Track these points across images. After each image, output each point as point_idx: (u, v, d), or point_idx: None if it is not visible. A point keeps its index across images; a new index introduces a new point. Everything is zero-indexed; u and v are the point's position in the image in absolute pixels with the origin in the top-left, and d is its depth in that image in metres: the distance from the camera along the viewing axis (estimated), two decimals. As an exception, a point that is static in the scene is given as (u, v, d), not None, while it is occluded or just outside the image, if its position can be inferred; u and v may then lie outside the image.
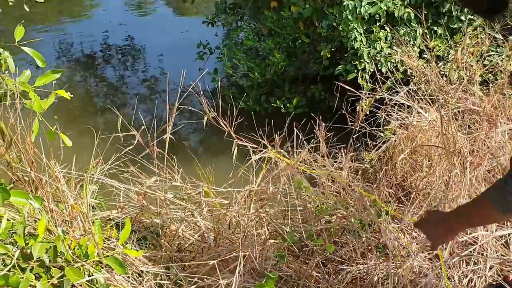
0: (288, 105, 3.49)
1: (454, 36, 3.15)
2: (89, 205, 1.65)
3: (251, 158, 1.88)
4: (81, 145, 2.45)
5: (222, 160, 2.51)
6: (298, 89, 3.78)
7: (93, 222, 1.48)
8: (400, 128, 2.52)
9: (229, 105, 2.14)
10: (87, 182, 1.64)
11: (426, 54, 3.04)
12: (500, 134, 2.30)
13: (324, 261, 1.79)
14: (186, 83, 1.99)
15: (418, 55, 3.12)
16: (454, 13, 3.20)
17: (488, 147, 2.18)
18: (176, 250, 1.74)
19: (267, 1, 3.77)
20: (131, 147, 1.89)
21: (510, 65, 2.86)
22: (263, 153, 1.79)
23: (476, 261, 1.83)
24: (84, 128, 3.38)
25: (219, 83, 2.84)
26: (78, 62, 5.24)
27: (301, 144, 2.03)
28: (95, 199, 1.82)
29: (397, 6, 3.01)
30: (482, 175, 2.10)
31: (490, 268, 1.79)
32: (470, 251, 1.83)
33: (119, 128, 1.88)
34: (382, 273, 1.77)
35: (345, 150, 2.20)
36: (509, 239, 1.89)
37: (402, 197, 2.15)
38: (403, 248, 1.83)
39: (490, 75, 2.99)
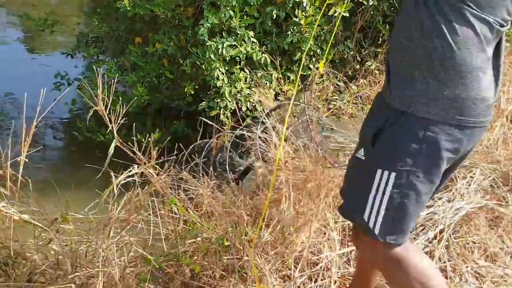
0: (149, 139, 3.48)
1: (304, 82, 3.53)
2: None
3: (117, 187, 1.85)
4: None
5: (84, 189, 2.42)
6: (161, 124, 3.81)
7: None
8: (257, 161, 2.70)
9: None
10: None
11: (281, 97, 3.35)
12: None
13: (185, 283, 1.81)
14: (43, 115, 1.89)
15: (274, 97, 3.40)
16: (304, 62, 3.58)
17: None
18: (26, 280, 1.61)
19: (131, 36, 3.81)
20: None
21: (351, 108, 3.29)
22: (127, 172, 1.77)
23: (322, 277, 2.02)
24: None
25: (77, 115, 2.76)
26: None
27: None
28: None
29: (255, 51, 3.27)
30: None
31: (335, 282, 1.99)
32: (317, 269, 2.02)
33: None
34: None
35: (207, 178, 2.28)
36: (350, 256, 2.13)
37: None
38: (259, 270, 1.93)
39: (334, 116, 3.39)
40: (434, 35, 1.20)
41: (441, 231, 2.28)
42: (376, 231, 1.29)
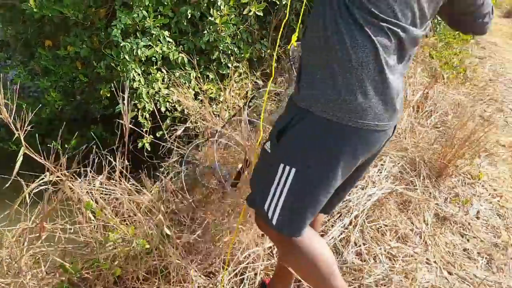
0: (66, 145, 3.36)
1: (223, 81, 3.56)
2: None
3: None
4: None
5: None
6: (77, 129, 3.67)
7: None
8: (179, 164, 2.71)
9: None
10: None
11: (200, 96, 3.35)
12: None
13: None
14: None
15: (193, 96, 3.40)
16: (222, 61, 3.61)
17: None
18: None
19: (40, 39, 3.63)
20: None
21: (269, 105, 3.38)
22: (39, 181, 1.71)
23: (248, 271, 2.07)
24: None
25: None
26: None
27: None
28: None
29: (171, 51, 3.25)
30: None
31: (260, 274, 2.05)
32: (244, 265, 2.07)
33: None
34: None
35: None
36: (274, 249, 2.20)
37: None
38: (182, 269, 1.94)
39: (254, 114, 3.45)
40: (335, 38, 1.25)
41: (356, 217, 2.42)
42: (274, 222, 1.36)
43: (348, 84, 1.26)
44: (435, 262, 2.33)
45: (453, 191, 2.87)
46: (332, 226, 2.38)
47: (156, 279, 1.90)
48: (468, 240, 2.57)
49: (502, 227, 2.76)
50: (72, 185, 1.75)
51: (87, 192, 1.89)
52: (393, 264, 2.24)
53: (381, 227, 2.41)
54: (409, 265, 2.26)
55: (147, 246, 1.77)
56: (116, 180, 1.94)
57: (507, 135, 4.14)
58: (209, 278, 2.04)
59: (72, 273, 1.67)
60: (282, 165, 1.32)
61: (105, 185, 1.97)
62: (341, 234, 2.32)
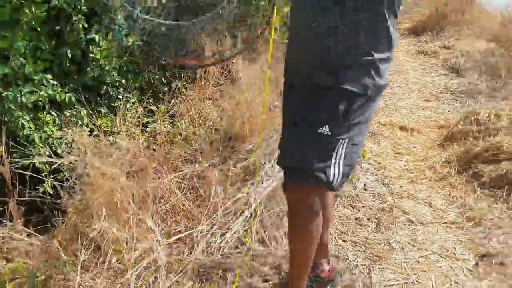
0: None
1: (117, 112, 3.65)
2: None
3: None
4: None
5: None
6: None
7: None
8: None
9: None
10: None
11: (95, 131, 3.42)
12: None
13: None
14: None
15: (89, 132, 3.46)
16: (112, 94, 3.71)
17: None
18: None
19: None
20: None
21: (164, 127, 3.52)
22: None
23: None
24: None
25: None
26: None
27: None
28: None
29: (57, 92, 3.31)
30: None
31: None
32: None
33: None
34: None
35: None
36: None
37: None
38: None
39: (151, 138, 3.57)
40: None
41: (255, 209, 2.62)
42: (334, 183, 1.73)
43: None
44: (331, 234, 2.59)
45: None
46: (236, 219, 2.56)
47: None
48: (358, 210, 2.87)
49: (387, 194, 3.11)
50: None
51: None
52: (293, 244, 2.46)
53: (278, 214, 2.63)
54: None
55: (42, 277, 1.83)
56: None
57: (387, 116, 4.61)
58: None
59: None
60: (341, 139, 1.68)
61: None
62: (244, 226, 2.51)
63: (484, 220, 2.93)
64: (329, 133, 1.65)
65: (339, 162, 1.68)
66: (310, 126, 1.68)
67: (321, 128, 1.66)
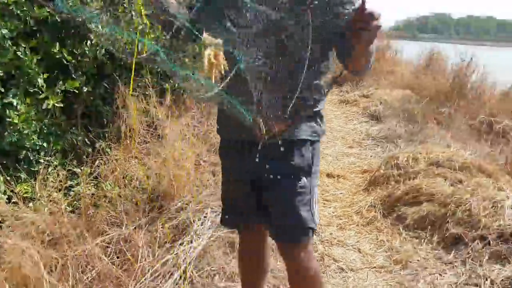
0: None
1: (37, 177, 3.49)
2: None
3: None
4: None
5: None
6: None
7: None
8: None
9: None
10: None
11: (14, 198, 3.23)
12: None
13: None
14: None
15: (7, 200, 3.26)
16: (32, 158, 3.56)
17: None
18: None
19: None
20: None
21: (88, 189, 3.40)
22: None
23: None
24: None
25: None
26: None
27: None
28: None
29: (-30, 160, 3.12)
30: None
31: None
32: None
33: None
34: None
35: None
36: None
37: None
38: None
39: (76, 202, 3.43)
40: None
41: (184, 271, 2.56)
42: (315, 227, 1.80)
43: None
44: None
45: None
46: (166, 282, 2.48)
47: None
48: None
49: (318, 242, 3.15)
50: None
51: None
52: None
53: (209, 273, 2.58)
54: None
55: None
56: None
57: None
58: None
59: None
60: (315, 188, 1.80)
61: None
62: (173, 288, 2.44)
63: (411, 262, 3.03)
64: (307, 184, 1.77)
65: (315, 206, 1.81)
66: (292, 182, 1.75)
67: (299, 182, 1.74)
